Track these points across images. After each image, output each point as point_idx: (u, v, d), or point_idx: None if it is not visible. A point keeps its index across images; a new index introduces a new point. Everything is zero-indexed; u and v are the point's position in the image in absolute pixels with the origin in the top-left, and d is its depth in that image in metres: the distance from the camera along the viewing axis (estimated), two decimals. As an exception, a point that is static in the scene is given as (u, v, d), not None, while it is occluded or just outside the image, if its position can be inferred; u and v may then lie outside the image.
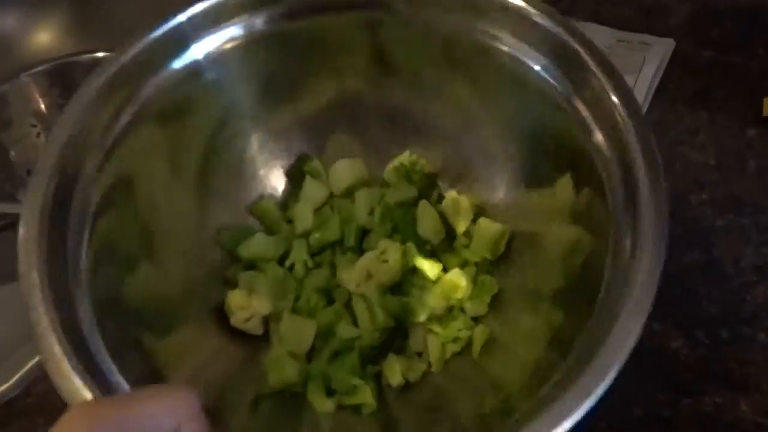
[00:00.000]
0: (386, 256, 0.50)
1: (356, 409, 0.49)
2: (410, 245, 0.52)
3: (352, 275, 0.51)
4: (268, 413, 0.48)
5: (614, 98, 0.42)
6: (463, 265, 0.53)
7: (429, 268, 0.51)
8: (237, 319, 0.51)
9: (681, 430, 0.48)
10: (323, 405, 0.48)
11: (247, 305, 0.51)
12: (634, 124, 0.41)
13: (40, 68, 0.67)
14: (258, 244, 0.54)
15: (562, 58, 0.45)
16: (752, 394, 0.49)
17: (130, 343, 0.43)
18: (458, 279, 0.51)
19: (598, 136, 0.43)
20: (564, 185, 0.47)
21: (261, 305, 0.51)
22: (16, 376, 0.53)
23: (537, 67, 0.47)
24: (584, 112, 0.44)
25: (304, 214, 0.55)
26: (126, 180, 0.47)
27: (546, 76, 0.46)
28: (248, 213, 0.57)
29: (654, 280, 0.36)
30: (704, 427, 0.48)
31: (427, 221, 0.53)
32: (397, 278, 0.51)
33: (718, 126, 0.63)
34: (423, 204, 0.54)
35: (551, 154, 0.49)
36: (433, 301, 0.50)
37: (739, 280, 0.54)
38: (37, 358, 0.53)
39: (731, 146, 0.62)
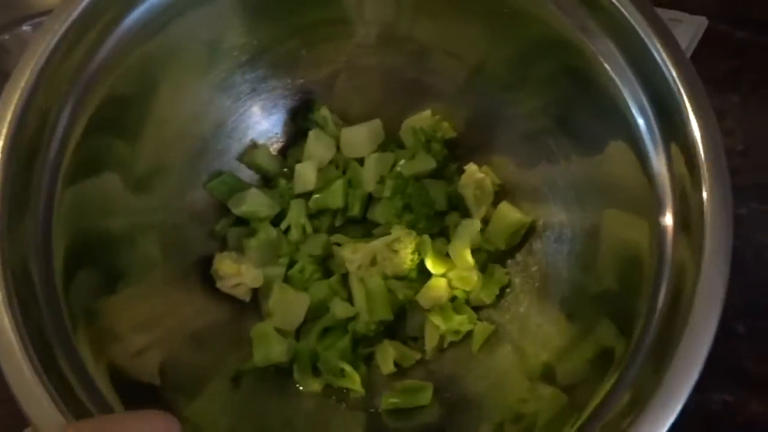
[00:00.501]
0: (398, 246, 0.46)
1: (344, 390, 0.46)
2: (426, 239, 0.47)
3: (355, 255, 0.46)
4: (251, 388, 0.45)
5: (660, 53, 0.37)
6: (474, 251, 0.48)
7: (438, 266, 0.47)
8: (224, 285, 0.47)
9: (684, 429, 0.45)
10: (310, 385, 0.46)
11: (236, 273, 0.47)
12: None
13: (43, 18, 0.65)
14: (252, 202, 0.49)
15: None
16: (766, 393, 0.46)
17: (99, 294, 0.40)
18: (469, 274, 0.47)
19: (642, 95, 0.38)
20: (613, 155, 0.41)
21: (251, 276, 0.47)
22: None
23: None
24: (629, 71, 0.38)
25: (306, 174, 0.50)
26: (103, 129, 0.41)
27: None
28: (239, 161, 0.51)
29: (719, 290, 0.32)
30: (710, 427, 0.45)
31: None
32: (404, 273, 0.47)
33: (749, 111, 0.59)
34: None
35: (593, 119, 0.42)
36: (439, 292, 0.47)
37: (759, 273, 0.51)
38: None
39: (761, 132, 0.58)
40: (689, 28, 0.64)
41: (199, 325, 0.46)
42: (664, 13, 0.64)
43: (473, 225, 0.47)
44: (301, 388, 0.46)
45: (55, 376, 0.33)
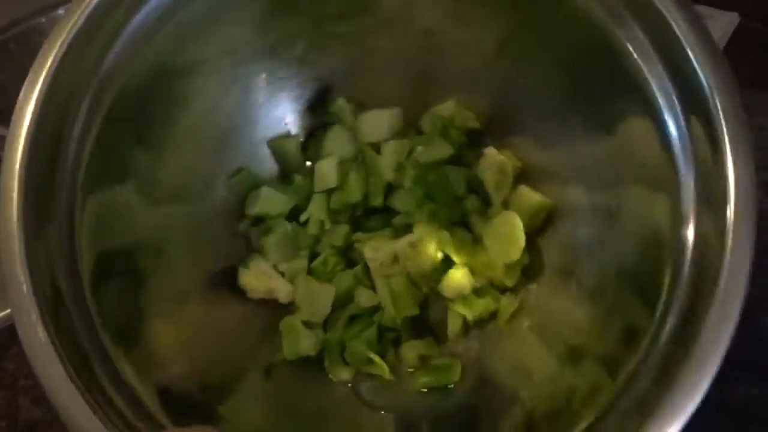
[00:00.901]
0: (420, 246, 0.46)
1: (374, 377, 0.47)
2: (445, 236, 0.47)
3: (376, 254, 0.46)
4: (282, 379, 0.46)
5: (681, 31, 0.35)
6: None
7: (463, 257, 0.47)
8: (252, 294, 0.48)
9: (709, 422, 0.45)
10: (340, 373, 0.47)
11: (266, 290, 0.48)
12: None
13: (80, 2, 0.65)
14: (265, 201, 0.49)
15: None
16: (792, 387, 0.46)
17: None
18: (494, 259, 0.47)
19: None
20: (633, 131, 0.40)
21: (284, 292, 0.48)
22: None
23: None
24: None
25: (325, 172, 0.50)
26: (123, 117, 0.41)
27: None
28: (265, 146, 0.51)
29: (741, 282, 0.32)
30: (734, 419, 0.45)
31: None
32: (427, 271, 0.47)
33: (781, 107, 0.59)
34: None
35: (612, 95, 0.41)
36: (461, 282, 0.47)
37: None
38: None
39: (794, 129, 0.58)
40: (720, 24, 0.63)
41: (230, 323, 0.47)
42: (695, 8, 0.63)
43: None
44: (332, 377, 0.47)
45: (97, 389, 0.34)
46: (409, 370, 0.48)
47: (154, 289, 0.42)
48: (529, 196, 0.47)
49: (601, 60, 0.40)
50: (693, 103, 0.36)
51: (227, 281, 0.48)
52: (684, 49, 0.35)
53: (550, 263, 0.48)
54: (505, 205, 0.49)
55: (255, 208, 0.49)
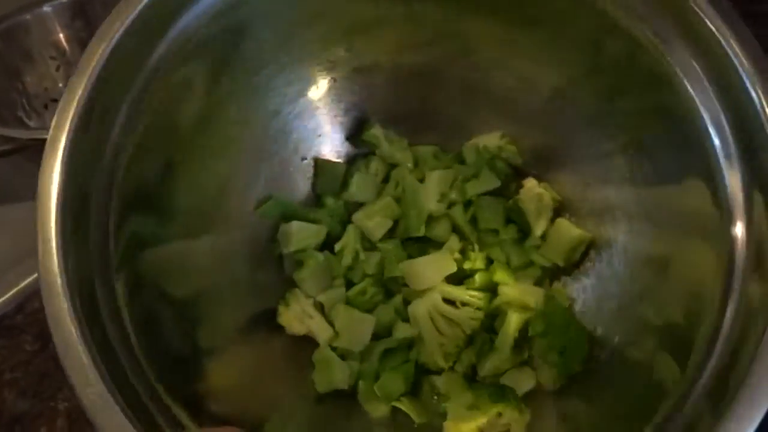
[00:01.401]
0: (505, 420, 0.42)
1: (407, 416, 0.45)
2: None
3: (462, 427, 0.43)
4: (314, 416, 0.44)
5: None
6: (528, 266, 0.48)
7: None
8: (292, 332, 0.46)
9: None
10: (377, 409, 0.45)
11: (302, 329, 0.46)
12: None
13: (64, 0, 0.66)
14: (299, 237, 0.47)
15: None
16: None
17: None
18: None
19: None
20: (689, 188, 0.39)
21: (325, 336, 0.45)
22: (9, 294, 0.53)
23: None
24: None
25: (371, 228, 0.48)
26: (161, 128, 0.39)
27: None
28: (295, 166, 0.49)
29: None
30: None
31: None
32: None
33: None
34: None
35: (674, 152, 0.40)
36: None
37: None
38: (31, 277, 0.53)
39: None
40: None
41: (272, 357, 0.45)
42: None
43: None
44: (368, 414, 0.45)
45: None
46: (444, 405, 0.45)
47: (199, 332, 0.40)
48: (569, 229, 0.47)
49: (667, 119, 0.40)
50: (757, 177, 0.35)
51: (267, 317, 0.46)
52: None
53: (590, 302, 0.47)
54: (543, 237, 0.48)
55: (290, 246, 0.47)
